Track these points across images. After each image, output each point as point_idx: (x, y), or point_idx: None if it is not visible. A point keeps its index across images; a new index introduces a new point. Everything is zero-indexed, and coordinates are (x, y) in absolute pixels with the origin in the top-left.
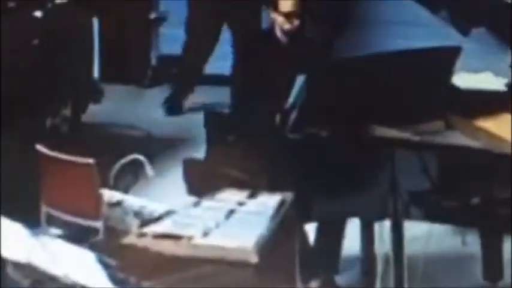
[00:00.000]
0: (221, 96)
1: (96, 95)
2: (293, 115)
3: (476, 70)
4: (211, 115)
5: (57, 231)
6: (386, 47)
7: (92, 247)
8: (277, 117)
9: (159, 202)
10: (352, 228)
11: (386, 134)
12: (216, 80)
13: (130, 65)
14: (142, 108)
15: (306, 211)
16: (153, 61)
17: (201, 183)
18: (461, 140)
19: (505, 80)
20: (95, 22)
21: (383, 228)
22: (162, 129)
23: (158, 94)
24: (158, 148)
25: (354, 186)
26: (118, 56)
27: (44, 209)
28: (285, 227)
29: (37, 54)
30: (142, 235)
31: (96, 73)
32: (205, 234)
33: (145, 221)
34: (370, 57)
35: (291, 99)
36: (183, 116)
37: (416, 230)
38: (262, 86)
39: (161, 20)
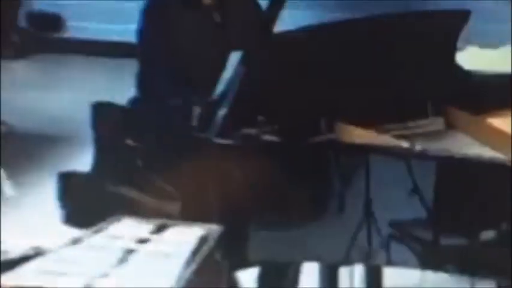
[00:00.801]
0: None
1: None
2: (221, 111)
3: (493, 44)
4: (103, 108)
5: None
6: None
7: None
8: (197, 114)
9: (18, 235)
10: (308, 276)
11: (358, 138)
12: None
13: None
14: (3, 90)
15: (239, 252)
16: (21, 21)
17: (84, 207)
18: (468, 147)
19: None
20: None
21: (352, 277)
22: (32, 122)
23: (28, 69)
24: (24, 151)
25: (309, 213)
26: None
27: None
28: (206, 276)
29: None
30: None
31: None
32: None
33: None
34: (335, 25)
35: (218, 89)
36: (66, 104)
37: (402, 279)
38: (176, 69)
39: None
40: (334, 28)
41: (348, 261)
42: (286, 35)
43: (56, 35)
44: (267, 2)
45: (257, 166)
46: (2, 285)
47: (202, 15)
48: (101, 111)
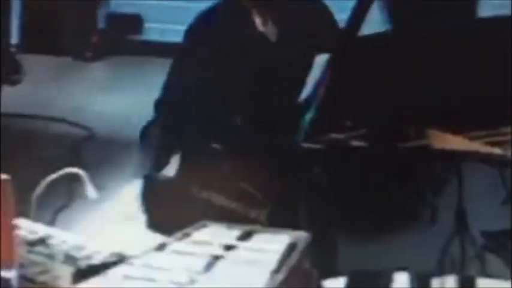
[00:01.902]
0: None
1: (13, 73)
2: (308, 115)
3: None
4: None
5: None
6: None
7: None
8: (285, 119)
9: (102, 240)
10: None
11: (450, 144)
12: None
13: (63, 29)
14: (81, 93)
15: (328, 260)
16: (100, 23)
17: (169, 212)
18: None
19: None
20: None
21: None
22: (111, 126)
23: (106, 71)
24: (105, 155)
25: (398, 222)
26: (46, 15)
27: None
28: (295, 284)
29: None
30: None
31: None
32: None
33: (83, 271)
34: (420, 28)
35: (304, 93)
36: (145, 107)
37: None
38: (260, 74)
39: None
40: (419, 32)
41: (440, 272)
42: (373, 38)
43: (136, 37)
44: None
45: (345, 172)
46: None
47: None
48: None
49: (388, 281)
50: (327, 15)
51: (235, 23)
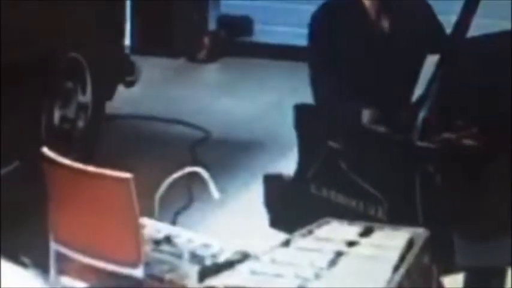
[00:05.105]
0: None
1: (129, 75)
2: (422, 113)
3: None
4: (306, 110)
5: (73, 281)
6: None
7: None
8: (401, 116)
9: (226, 238)
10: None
11: None
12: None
13: (176, 31)
14: (197, 94)
15: (446, 256)
16: (211, 24)
17: (289, 211)
18: None
19: None
20: None
21: None
22: (228, 127)
23: (219, 73)
24: (223, 156)
25: None
26: (159, 17)
27: (54, 246)
28: (415, 280)
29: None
30: None
31: (128, 43)
32: None
33: (208, 269)
34: None
35: (419, 91)
36: (259, 108)
37: None
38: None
39: None
40: None
41: None
42: (481, 39)
43: (246, 39)
44: (462, 5)
45: (462, 169)
46: (223, 286)
47: (368, 25)
48: (305, 113)
49: (504, 275)
50: (429, 10)
51: (352, 15)
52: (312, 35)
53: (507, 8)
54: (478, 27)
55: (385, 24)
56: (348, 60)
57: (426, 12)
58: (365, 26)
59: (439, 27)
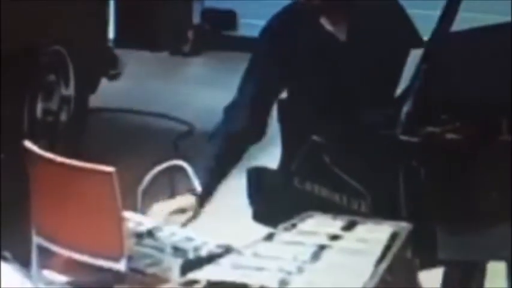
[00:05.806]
0: None
1: (112, 68)
2: (406, 107)
3: None
4: (287, 104)
5: (55, 275)
6: None
7: None
8: (385, 110)
9: (208, 232)
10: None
11: None
12: None
13: (160, 24)
14: (180, 87)
15: (428, 250)
16: (195, 18)
17: (273, 204)
18: None
19: None
20: None
21: None
22: (212, 121)
23: (203, 66)
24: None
25: (497, 216)
26: (143, 10)
27: (36, 240)
28: (397, 273)
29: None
30: (189, 284)
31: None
32: (283, 283)
33: (190, 262)
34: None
35: (403, 84)
36: None
37: None
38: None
39: None
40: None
41: None
42: (464, 34)
43: (230, 33)
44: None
45: (441, 165)
46: (205, 281)
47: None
48: (288, 108)
49: (483, 271)
50: (399, 10)
51: (304, 23)
52: (269, 33)
53: (507, 4)
54: (477, 24)
55: (342, 33)
56: (302, 70)
57: (393, 14)
58: (320, 36)
59: (407, 23)
